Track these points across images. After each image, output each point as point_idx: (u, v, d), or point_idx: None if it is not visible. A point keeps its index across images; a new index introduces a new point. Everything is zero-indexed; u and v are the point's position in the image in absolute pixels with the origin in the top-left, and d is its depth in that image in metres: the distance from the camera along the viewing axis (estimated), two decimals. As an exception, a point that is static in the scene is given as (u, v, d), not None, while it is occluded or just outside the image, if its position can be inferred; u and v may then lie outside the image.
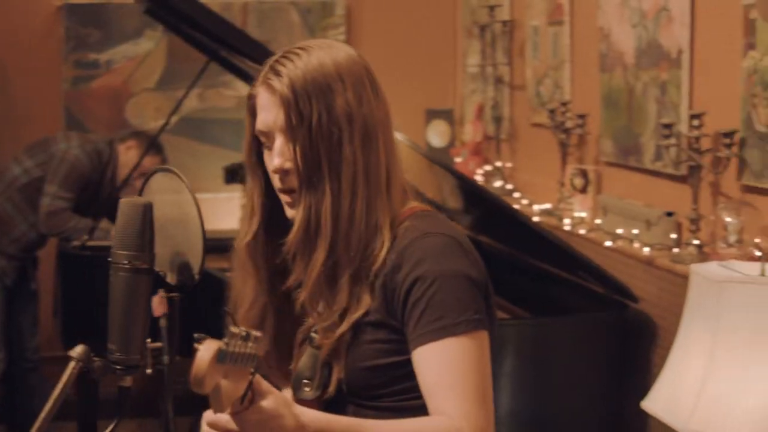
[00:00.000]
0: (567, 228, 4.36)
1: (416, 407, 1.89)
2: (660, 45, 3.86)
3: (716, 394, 2.48)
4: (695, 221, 3.55)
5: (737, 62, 3.37)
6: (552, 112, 4.64)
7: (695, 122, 3.50)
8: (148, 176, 1.87)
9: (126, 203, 1.77)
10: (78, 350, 1.76)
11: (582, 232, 4.27)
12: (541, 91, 5.03)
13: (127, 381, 1.80)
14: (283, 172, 1.92)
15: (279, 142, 1.92)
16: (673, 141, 3.67)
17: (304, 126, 1.88)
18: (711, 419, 2.48)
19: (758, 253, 3.23)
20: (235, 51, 4.29)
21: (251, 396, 1.61)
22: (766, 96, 3.22)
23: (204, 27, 4.28)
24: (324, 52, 1.93)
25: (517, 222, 3.82)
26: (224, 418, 1.65)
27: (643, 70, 3.99)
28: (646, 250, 3.76)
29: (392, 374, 1.91)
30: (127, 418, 2.02)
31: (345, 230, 1.89)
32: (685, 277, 3.40)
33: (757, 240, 3.28)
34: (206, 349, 1.49)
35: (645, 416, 3.62)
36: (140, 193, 1.87)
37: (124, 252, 1.76)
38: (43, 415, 1.70)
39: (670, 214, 3.78)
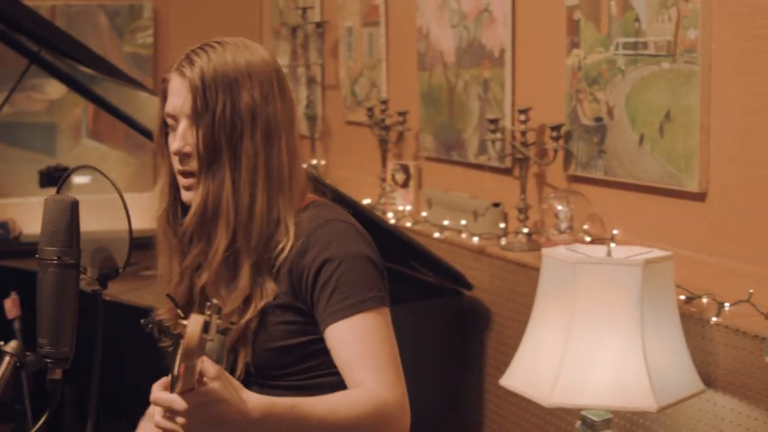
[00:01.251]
0: (392, 221, 4.50)
1: (320, 385, 2.02)
2: (482, 45, 4.06)
3: (574, 368, 2.67)
4: (523, 210, 3.75)
5: (562, 60, 3.59)
6: (370, 110, 4.78)
7: (522, 117, 3.71)
8: (67, 174, 1.90)
9: (52, 200, 1.80)
10: (12, 345, 1.77)
11: (408, 224, 4.42)
12: (356, 90, 5.17)
13: (58, 374, 1.82)
14: (182, 155, 2.02)
15: (183, 126, 2.02)
16: (498, 135, 3.87)
17: (208, 114, 1.99)
18: (570, 391, 2.67)
19: (588, 239, 3.47)
20: (59, 52, 4.24)
21: (199, 377, 1.67)
22: (591, 91, 3.45)
23: (26, 27, 4.21)
24: (238, 50, 2.04)
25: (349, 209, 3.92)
26: (171, 396, 1.69)
27: (465, 68, 4.18)
28: (476, 239, 3.95)
29: (299, 353, 2.03)
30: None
31: (245, 221, 2.00)
32: (516, 264, 3.62)
33: (585, 226, 3.51)
34: (194, 322, 1.53)
35: (480, 390, 3.83)
36: (58, 191, 1.90)
37: (53, 248, 1.79)
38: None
39: (497, 205, 3.98)
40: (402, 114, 4.57)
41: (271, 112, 2.03)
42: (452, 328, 3.88)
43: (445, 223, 4.18)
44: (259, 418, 1.75)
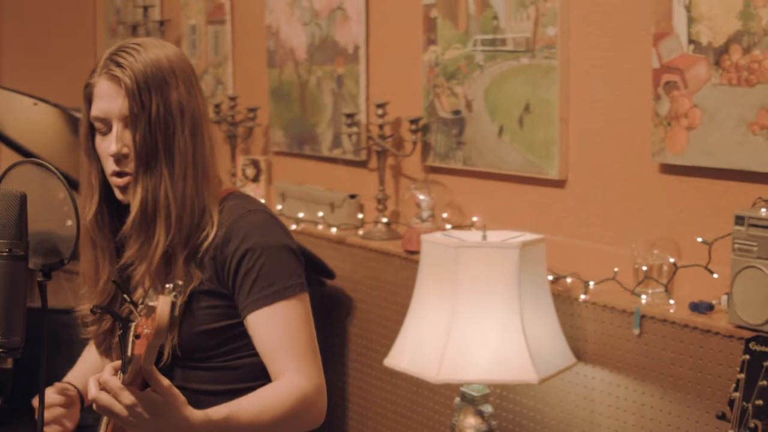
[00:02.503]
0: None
1: (241, 365, 2.15)
2: (335, 41, 4.19)
3: (459, 346, 2.84)
4: (382, 201, 3.90)
5: (418, 56, 3.76)
6: (217, 106, 4.85)
7: (379, 111, 3.85)
8: (8, 169, 1.93)
9: (1, 195, 1.84)
10: (-34, 336, 1.80)
11: (262, 218, 4.50)
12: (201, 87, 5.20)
13: (9, 363, 1.85)
14: (121, 156, 2.08)
15: (117, 128, 2.08)
16: (355, 129, 4.01)
17: (144, 116, 2.06)
18: (456, 367, 2.83)
19: (448, 226, 3.64)
20: None
21: (140, 382, 1.75)
22: (449, 86, 3.63)
23: None
24: (158, 49, 2.12)
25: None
26: (119, 386, 1.77)
27: (317, 65, 4.30)
28: (334, 230, 4.08)
29: (223, 336, 2.13)
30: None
31: (179, 213, 2.09)
32: (378, 252, 3.76)
33: (444, 215, 3.68)
34: (164, 303, 1.60)
35: (344, 375, 3.95)
36: (-2, 184, 1.92)
37: (3, 241, 1.82)
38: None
39: (353, 197, 4.11)
40: (252, 110, 4.66)
41: (195, 107, 2.12)
42: (317, 316, 3.98)
43: (300, 215, 4.28)
44: (191, 426, 1.87)
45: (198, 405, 1.94)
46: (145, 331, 1.67)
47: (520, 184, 3.41)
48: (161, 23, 5.44)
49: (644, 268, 2.90)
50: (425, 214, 3.66)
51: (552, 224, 3.28)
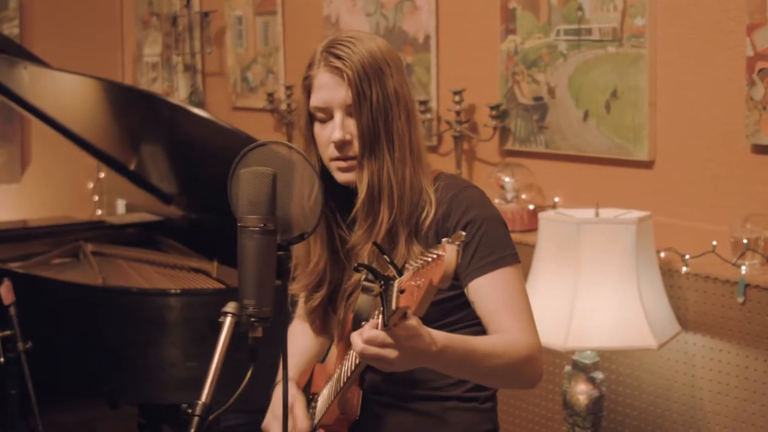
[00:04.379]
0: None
1: (470, 333, 2.26)
2: (404, 31, 4.36)
3: (582, 315, 3.04)
4: (458, 184, 4.07)
5: (495, 45, 3.95)
6: (270, 95, 5.00)
7: (456, 98, 4.04)
8: (250, 148, 2.07)
9: (251, 173, 1.99)
10: (231, 306, 1.97)
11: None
12: (248, 77, 5.36)
13: (259, 332, 2.01)
14: (344, 143, 2.22)
15: (338, 116, 2.23)
16: (428, 116, 4.19)
17: (366, 104, 2.21)
18: (582, 335, 3.03)
19: (531, 206, 3.84)
20: None
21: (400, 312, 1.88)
22: (530, 73, 3.83)
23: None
24: (370, 41, 2.27)
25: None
26: (381, 334, 1.91)
27: (383, 54, 4.46)
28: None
29: (447, 306, 2.27)
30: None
31: (400, 194, 2.24)
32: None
33: (523, 196, 3.88)
34: (451, 250, 1.73)
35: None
36: (235, 166, 2.07)
37: (256, 216, 1.98)
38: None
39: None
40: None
41: (407, 93, 2.28)
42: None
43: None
44: (441, 349, 1.99)
45: (421, 374, 2.07)
46: (418, 282, 1.80)
47: (606, 166, 3.61)
48: (206, 14, 5.57)
49: (744, 240, 3.12)
50: (510, 195, 3.85)
51: (638, 204, 3.48)
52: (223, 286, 4.19)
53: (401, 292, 1.85)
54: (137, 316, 3.70)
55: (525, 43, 3.84)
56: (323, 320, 2.39)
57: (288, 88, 4.95)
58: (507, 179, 3.86)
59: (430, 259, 1.77)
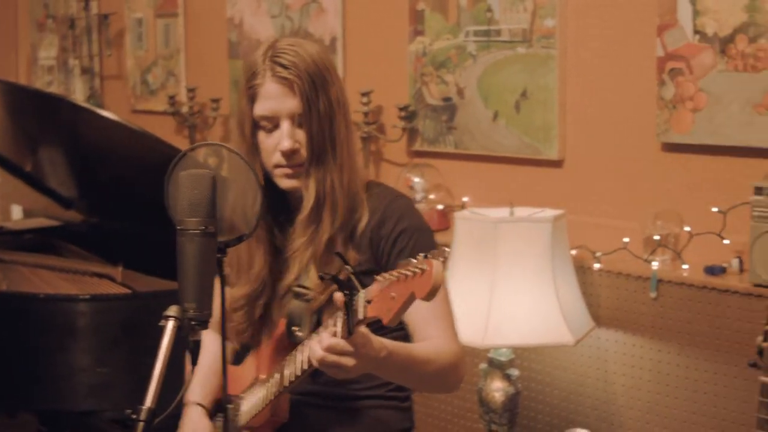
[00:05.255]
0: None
1: (395, 339, 2.30)
2: (309, 33, 4.36)
3: (500, 313, 3.08)
4: (367, 185, 4.09)
5: (403, 46, 3.97)
6: (172, 98, 4.96)
7: (364, 99, 4.05)
8: (186, 151, 2.05)
9: (191, 176, 1.97)
10: (173, 309, 1.95)
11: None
12: (148, 79, 5.30)
13: (199, 335, 2.00)
14: (292, 152, 2.22)
15: (286, 125, 2.23)
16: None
17: (315, 112, 2.21)
18: (500, 333, 3.07)
19: (440, 207, 3.87)
20: None
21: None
22: (438, 74, 3.86)
23: None
24: (309, 46, 2.27)
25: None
26: (342, 342, 1.93)
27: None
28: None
29: None
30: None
31: (342, 201, 2.25)
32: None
33: (431, 196, 3.91)
34: (437, 265, 1.75)
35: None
36: (172, 168, 2.05)
37: (196, 219, 1.97)
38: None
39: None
40: (215, 101, 4.78)
41: (345, 99, 2.30)
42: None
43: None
44: (387, 355, 2.03)
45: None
46: (393, 294, 1.82)
47: (515, 165, 3.66)
48: (105, 17, 5.49)
49: (656, 237, 3.19)
50: (419, 195, 3.88)
51: (549, 203, 3.53)
52: (129, 291, 4.13)
53: (368, 302, 1.88)
54: (45, 322, 3.62)
55: (434, 44, 3.88)
56: (248, 322, 2.38)
57: (190, 90, 4.91)
58: (416, 179, 3.89)
59: (409, 273, 1.78)
